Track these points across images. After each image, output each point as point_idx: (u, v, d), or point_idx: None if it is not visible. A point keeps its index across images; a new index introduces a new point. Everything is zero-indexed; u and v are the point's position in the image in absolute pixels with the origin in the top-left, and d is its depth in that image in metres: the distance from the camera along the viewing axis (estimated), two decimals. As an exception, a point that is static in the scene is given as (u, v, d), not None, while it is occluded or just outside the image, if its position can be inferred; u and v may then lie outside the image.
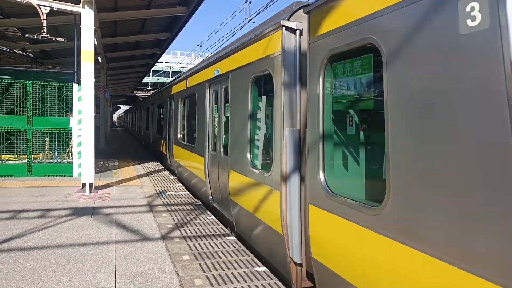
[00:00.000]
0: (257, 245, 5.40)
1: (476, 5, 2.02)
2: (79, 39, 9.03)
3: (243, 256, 4.94)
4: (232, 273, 4.39)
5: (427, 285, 2.45)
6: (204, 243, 5.40)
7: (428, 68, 2.48)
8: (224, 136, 6.91)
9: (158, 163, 14.88)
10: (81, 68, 8.67)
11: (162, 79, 59.08)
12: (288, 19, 4.42)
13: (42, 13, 8.75)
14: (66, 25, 12.91)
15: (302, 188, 4.37)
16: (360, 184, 3.75)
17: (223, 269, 4.48)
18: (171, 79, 30.31)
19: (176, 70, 57.80)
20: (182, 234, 5.80)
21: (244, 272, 4.43)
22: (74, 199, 7.94)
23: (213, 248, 5.21)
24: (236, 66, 6.09)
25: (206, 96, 8.10)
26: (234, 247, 5.31)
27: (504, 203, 2.03)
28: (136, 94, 53.91)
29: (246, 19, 20.08)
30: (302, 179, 4.36)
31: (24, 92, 10.61)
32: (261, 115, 5.49)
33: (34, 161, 10.82)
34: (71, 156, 11.06)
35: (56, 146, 11.21)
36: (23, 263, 4.50)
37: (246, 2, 22.91)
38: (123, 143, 25.90)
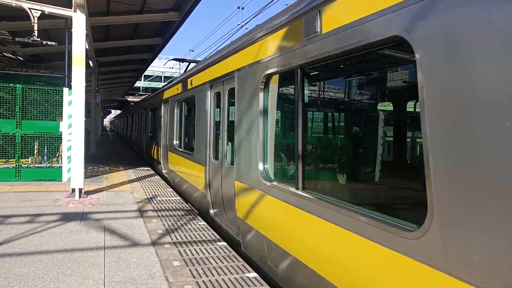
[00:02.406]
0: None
1: None
2: (70, 43, 8.99)
3: (234, 262, 4.93)
4: (222, 279, 4.37)
5: None
6: (194, 249, 5.37)
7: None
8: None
9: (149, 168, 14.81)
10: (72, 72, 8.61)
11: (154, 84, 58.87)
12: None
13: (33, 17, 8.69)
14: (57, 29, 12.82)
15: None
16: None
17: (213, 275, 4.46)
18: (163, 83, 30.79)
19: (168, 75, 57.67)
20: (172, 239, 5.77)
21: (235, 278, 4.41)
22: (63, 204, 7.84)
23: (204, 254, 5.18)
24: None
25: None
26: (225, 253, 5.29)
27: None
28: (128, 99, 53.60)
29: (238, 24, 20.16)
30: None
31: (14, 96, 10.50)
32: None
33: (23, 165, 10.68)
34: (61, 160, 10.94)
35: (46, 151, 11.08)
36: (10, 269, 4.43)
37: (238, 8, 23.00)
38: (113, 148, 25.72)
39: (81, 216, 6.93)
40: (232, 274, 4.51)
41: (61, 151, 10.88)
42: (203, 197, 7.56)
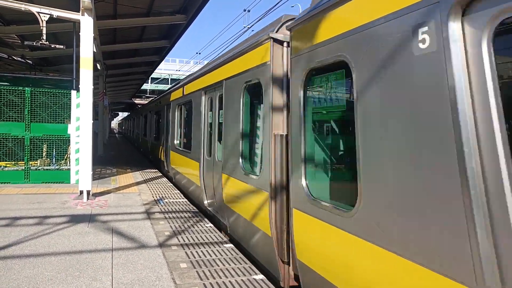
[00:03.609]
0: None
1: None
2: (78, 46, 9.06)
3: (241, 264, 4.92)
4: (229, 281, 4.37)
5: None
6: (201, 251, 5.38)
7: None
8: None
9: (156, 170, 14.87)
10: (80, 75, 8.68)
11: (160, 86, 59.16)
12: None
13: (42, 20, 8.78)
14: (65, 32, 12.96)
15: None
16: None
17: (220, 277, 4.46)
18: (170, 86, 31.27)
19: (175, 78, 57.92)
20: (179, 241, 5.78)
21: (242, 280, 4.41)
22: (71, 206, 7.90)
23: (211, 256, 5.18)
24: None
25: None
26: (232, 255, 5.29)
27: None
28: (135, 101, 53.93)
29: (244, 27, 20.20)
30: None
31: (23, 99, 10.62)
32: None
33: (31, 168, 10.79)
34: (69, 163, 11.03)
35: (54, 153, 11.18)
36: (19, 271, 4.47)
37: (245, 10, 23.06)
38: (120, 150, 25.87)
39: (89, 218, 6.98)
40: (239, 276, 4.51)
41: (69, 153, 10.98)
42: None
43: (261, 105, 5.03)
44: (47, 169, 11.00)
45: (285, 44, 4.67)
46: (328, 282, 3.49)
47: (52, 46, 9.95)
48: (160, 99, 15.73)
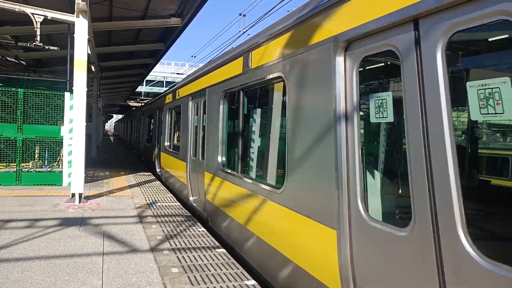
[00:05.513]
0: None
1: None
2: (72, 48, 9.01)
3: (233, 269, 4.90)
4: (221, 286, 4.34)
5: None
6: (193, 256, 5.35)
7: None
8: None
9: (150, 173, 14.81)
10: (74, 77, 8.63)
11: (155, 89, 58.99)
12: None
13: (36, 22, 8.74)
14: (60, 34, 12.90)
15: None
16: None
17: (212, 282, 4.43)
18: (165, 89, 31.38)
19: (170, 80, 57.81)
20: (171, 246, 5.75)
21: (233, 285, 4.38)
22: (63, 209, 7.83)
23: (202, 261, 5.16)
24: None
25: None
26: (224, 260, 5.26)
27: None
28: (130, 104, 53.70)
29: (240, 31, 20.24)
30: None
31: (16, 100, 10.53)
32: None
33: (23, 170, 10.68)
34: (61, 165, 10.94)
35: (46, 155, 11.08)
36: (7, 275, 4.41)
37: (240, 14, 23.12)
38: (114, 152, 25.72)
39: (81, 221, 6.92)
40: (231, 282, 4.49)
41: (62, 155, 10.89)
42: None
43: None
44: (39, 171, 10.90)
45: None
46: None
47: (46, 47, 9.89)
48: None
